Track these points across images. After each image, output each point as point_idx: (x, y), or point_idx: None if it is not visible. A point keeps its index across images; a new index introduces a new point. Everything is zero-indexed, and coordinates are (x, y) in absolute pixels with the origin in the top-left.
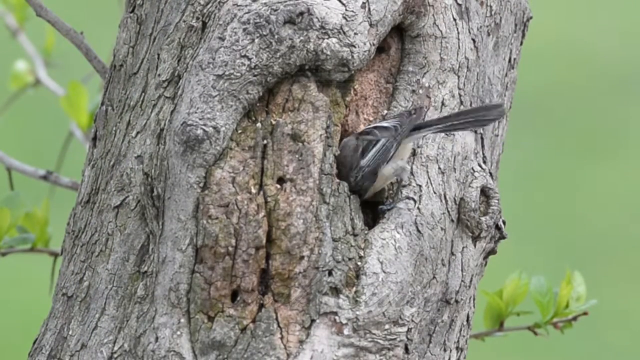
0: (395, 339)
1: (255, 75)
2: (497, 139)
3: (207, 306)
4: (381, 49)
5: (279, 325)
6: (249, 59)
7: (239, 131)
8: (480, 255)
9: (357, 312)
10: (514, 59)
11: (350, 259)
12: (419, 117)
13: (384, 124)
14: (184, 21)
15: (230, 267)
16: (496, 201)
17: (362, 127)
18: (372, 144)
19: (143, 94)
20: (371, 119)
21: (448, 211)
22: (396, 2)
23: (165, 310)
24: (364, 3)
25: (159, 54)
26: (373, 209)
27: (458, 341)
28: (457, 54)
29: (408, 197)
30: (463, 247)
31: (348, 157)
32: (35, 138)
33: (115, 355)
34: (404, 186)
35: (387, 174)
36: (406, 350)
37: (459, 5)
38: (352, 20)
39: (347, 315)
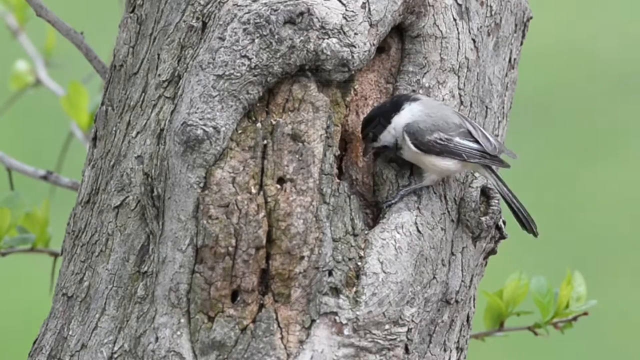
0: (395, 339)
1: (255, 75)
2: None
3: (207, 306)
4: (381, 49)
5: (279, 326)
6: (249, 59)
7: (239, 131)
8: (481, 255)
9: (357, 312)
10: (514, 59)
11: (350, 259)
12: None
13: (488, 134)
14: (184, 21)
15: (231, 267)
16: (496, 201)
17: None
18: (470, 138)
19: (143, 94)
20: None
21: (448, 211)
22: (396, 2)
23: (166, 311)
24: (364, 3)
25: (159, 54)
26: (373, 209)
27: (458, 341)
28: (457, 54)
29: (412, 192)
30: (463, 247)
31: (447, 121)
32: (35, 138)
33: (115, 355)
34: (405, 186)
35: (442, 166)
36: (406, 350)
37: (459, 5)
38: (352, 20)
39: (347, 316)
